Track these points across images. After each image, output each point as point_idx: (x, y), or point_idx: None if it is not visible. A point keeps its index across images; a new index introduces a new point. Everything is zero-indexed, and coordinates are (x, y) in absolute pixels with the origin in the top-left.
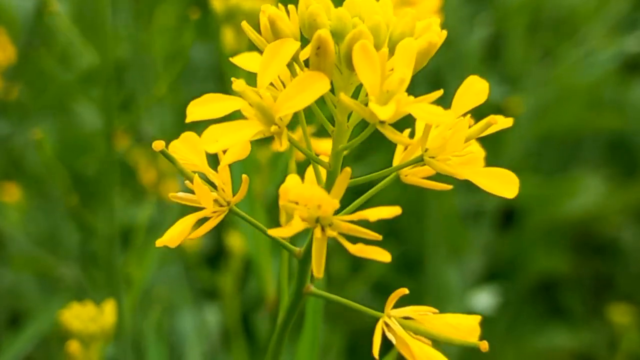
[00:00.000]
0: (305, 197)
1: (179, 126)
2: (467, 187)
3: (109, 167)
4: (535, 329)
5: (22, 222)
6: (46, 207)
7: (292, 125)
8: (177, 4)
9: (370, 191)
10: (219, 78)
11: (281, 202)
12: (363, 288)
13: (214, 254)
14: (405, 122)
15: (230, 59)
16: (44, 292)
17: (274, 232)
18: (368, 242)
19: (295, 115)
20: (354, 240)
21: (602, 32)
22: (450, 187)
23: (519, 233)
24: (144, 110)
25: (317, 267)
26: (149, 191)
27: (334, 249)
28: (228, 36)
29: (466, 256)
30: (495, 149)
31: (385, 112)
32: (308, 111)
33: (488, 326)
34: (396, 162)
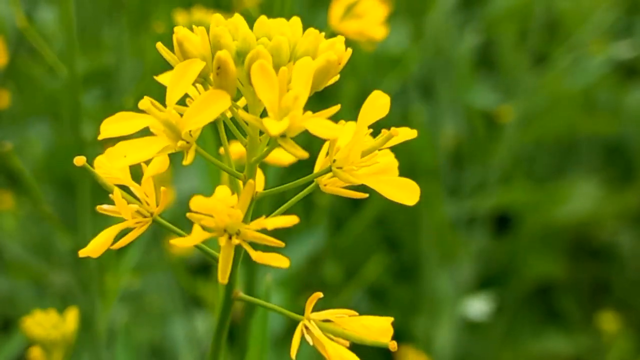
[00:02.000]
0: (208, 209)
1: None
2: (460, 194)
3: (81, 179)
4: (531, 334)
5: (15, 229)
6: (37, 214)
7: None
8: (168, 14)
9: (291, 200)
10: None
11: (188, 214)
12: (358, 294)
13: (205, 263)
14: None
15: (155, 77)
16: (37, 299)
17: (175, 242)
18: (271, 249)
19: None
20: (258, 247)
21: (594, 37)
22: (366, 195)
23: (515, 238)
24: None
25: (222, 273)
26: None
27: (329, 254)
28: None
29: (459, 263)
30: (488, 156)
31: (277, 127)
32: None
33: (484, 331)
34: (316, 171)
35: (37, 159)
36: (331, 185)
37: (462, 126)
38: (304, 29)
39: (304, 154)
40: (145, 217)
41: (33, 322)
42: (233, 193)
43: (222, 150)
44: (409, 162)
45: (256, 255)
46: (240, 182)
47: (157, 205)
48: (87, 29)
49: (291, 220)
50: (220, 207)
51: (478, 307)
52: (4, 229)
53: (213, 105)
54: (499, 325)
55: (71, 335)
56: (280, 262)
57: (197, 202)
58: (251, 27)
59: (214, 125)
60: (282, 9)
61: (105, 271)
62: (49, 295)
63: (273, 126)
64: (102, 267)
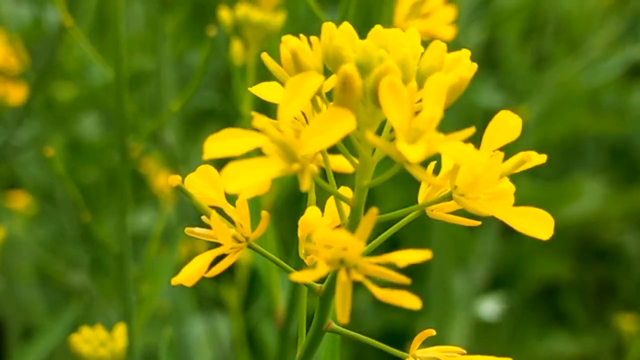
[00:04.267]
0: (330, 240)
1: (183, 133)
2: None
3: (122, 179)
4: (537, 335)
5: (28, 230)
6: (51, 218)
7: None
8: (184, 13)
9: (394, 227)
10: (220, 86)
11: (302, 239)
12: (364, 295)
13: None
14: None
15: (250, 89)
16: (54, 305)
17: (297, 277)
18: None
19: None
20: (381, 283)
21: (604, 39)
22: (478, 223)
23: (520, 239)
24: (164, 123)
25: (343, 311)
26: (161, 199)
27: None
28: (236, 48)
29: (471, 264)
30: None
31: (415, 154)
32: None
33: (490, 333)
34: (421, 196)
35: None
36: (439, 210)
37: (468, 126)
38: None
39: (438, 182)
40: (240, 242)
41: (80, 339)
42: (341, 220)
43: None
44: None
45: (382, 294)
46: (348, 207)
47: (253, 231)
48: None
49: (425, 255)
50: (345, 240)
51: (491, 307)
52: (18, 229)
53: (336, 125)
54: (504, 327)
55: (120, 353)
56: (412, 302)
57: (323, 235)
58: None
59: None
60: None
61: (125, 279)
62: (66, 300)
63: (411, 152)
64: (121, 276)
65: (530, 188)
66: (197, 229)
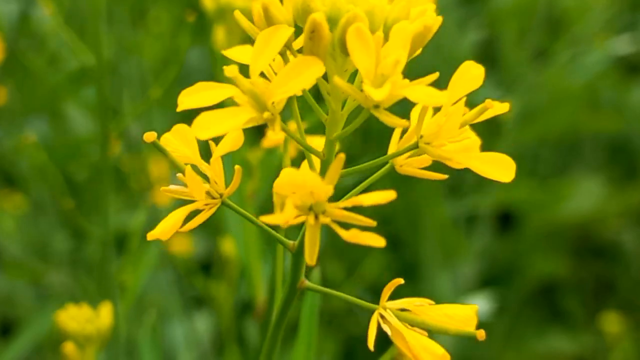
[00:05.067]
0: (298, 183)
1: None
2: (461, 192)
3: (104, 173)
4: (535, 333)
5: (15, 229)
6: (37, 214)
7: (285, 119)
8: (171, 6)
9: (366, 181)
10: (212, 80)
11: (277, 205)
12: (358, 291)
13: (207, 260)
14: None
15: (223, 51)
16: (37, 300)
17: (266, 219)
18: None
19: (288, 110)
20: (348, 227)
21: (596, 33)
22: (445, 176)
23: (518, 237)
24: (138, 114)
25: (310, 255)
26: (141, 197)
27: (329, 252)
28: (219, 35)
29: (461, 261)
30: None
31: (379, 94)
32: (300, 104)
33: (487, 331)
34: (391, 152)
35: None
36: (408, 166)
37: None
38: None
39: (404, 123)
40: (214, 198)
41: (67, 316)
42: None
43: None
44: None
45: (349, 235)
46: (319, 160)
47: (227, 187)
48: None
49: (389, 195)
50: (313, 182)
51: (480, 306)
52: (3, 229)
53: (305, 72)
54: (502, 325)
55: (106, 330)
56: (376, 241)
57: (288, 177)
58: None
59: None
60: None
61: (113, 270)
62: (49, 296)
63: (375, 92)
64: (103, 268)
65: (529, 186)
66: (172, 186)
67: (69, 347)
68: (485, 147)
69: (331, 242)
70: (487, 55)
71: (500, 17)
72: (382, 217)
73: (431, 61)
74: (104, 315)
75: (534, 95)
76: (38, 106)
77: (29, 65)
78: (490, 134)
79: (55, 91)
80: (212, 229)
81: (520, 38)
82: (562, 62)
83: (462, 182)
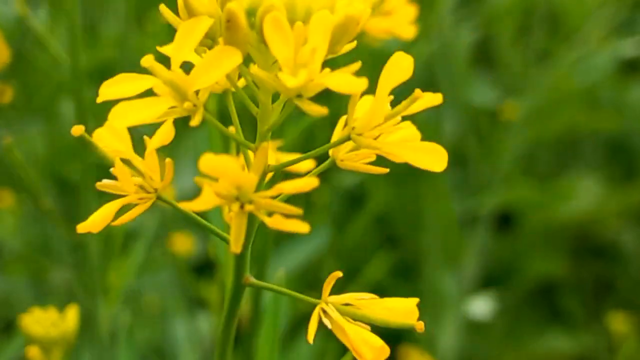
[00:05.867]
0: (218, 169)
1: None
2: (462, 192)
3: (86, 172)
4: (534, 333)
5: (15, 227)
6: (38, 213)
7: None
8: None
9: (305, 177)
10: None
11: (196, 177)
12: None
13: (206, 262)
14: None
15: (159, 48)
16: (37, 299)
17: (184, 205)
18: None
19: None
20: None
21: (598, 34)
22: (386, 170)
23: (517, 237)
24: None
25: (235, 242)
26: None
27: (331, 255)
28: None
29: (463, 262)
30: (491, 153)
31: (294, 81)
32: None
33: (487, 331)
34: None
35: (37, 156)
36: (349, 160)
37: (465, 123)
38: None
39: (322, 111)
40: (149, 192)
41: (31, 320)
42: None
43: (231, 128)
44: None
45: (272, 222)
46: (251, 153)
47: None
48: (86, 23)
49: (311, 182)
50: (232, 168)
51: (482, 306)
52: (3, 227)
53: (223, 61)
54: (501, 325)
55: (71, 334)
56: (300, 227)
57: (208, 161)
58: None
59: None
60: None
61: (106, 269)
62: (49, 294)
63: (289, 80)
64: (103, 266)
65: (527, 186)
66: (104, 181)
67: (32, 351)
68: (489, 148)
69: (331, 243)
70: (484, 55)
71: (497, 16)
72: (382, 217)
73: (432, 61)
74: (69, 319)
75: (534, 95)
76: (37, 106)
77: (30, 66)
78: (493, 136)
79: (57, 91)
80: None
81: (518, 37)
82: (565, 64)
83: (463, 182)
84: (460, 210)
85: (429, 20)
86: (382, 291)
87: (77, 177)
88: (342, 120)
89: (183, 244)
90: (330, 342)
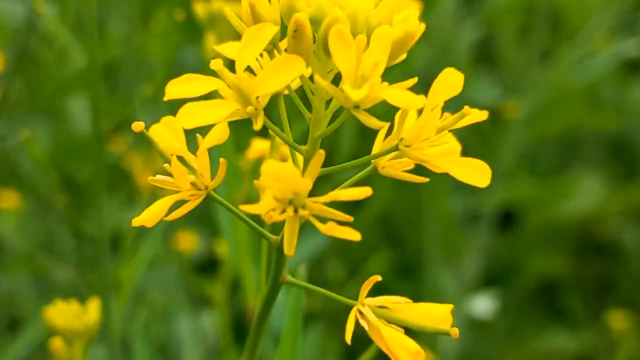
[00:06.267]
0: (278, 175)
1: None
2: (463, 190)
3: (99, 170)
4: (536, 331)
5: (18, 226)
6: (41, 211)
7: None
8: (172, 7)
9: (347, 182)
10: None
11: (256, 181)
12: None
13: (209, 260)
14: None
15: (215, 46)
16: (41, 298)
17: (246, 208)
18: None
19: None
20: (326, 221)
21: (600, 34)
22: (426, 180)
23: (518, 235)
24: (133, 110)
25: (289, 245)
26: (143, 194)
27: (332, 254)
28: (210, 41)
29: (464, 260)
30: (492, 152)
31: (357, 94)
32: (288, 104)
33: (488, 330)
34: (374, 153)
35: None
36: (390, 167)
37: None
38: None
39: (381, 124)
40: (199, 190)
41: (54, 311)
42: None
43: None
44: None
45: (326, 228)
46: (301, 157)
47: (212, 180)
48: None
49: (365, 191)
50: (292, 174)
51: (483, 305)
52: (6, 226)
53: (287, 69)
54: (503, 324)
55: (93, 326)
56: (352, 234)
57: (270, 167)
58: None
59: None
60: None
61: (116, 267)
62: (52, 292)
63: (353, 93)
64: (112, 263)
65: (529, 184)
66: (159, 176)
67: (56, 343)
68: (491, 147)
69: (333, 242)
70: (485, 54)
71: (498, 15)
72: (384, 216)
73: (433, 60)
74: (91, 311)
75: (535, 94)
76: (43, 103)
77: (35, 64)
78: (495, 134)
79: (62, 86)
80: (214, 229)
81: (519, 36)
82: (566, 64)
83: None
84: (461, 209)
85: (430, 20)
86: (383, 290)
87: (83, 176)
88: (383, 132)
89: (187, 242)
90: (331, 340)
